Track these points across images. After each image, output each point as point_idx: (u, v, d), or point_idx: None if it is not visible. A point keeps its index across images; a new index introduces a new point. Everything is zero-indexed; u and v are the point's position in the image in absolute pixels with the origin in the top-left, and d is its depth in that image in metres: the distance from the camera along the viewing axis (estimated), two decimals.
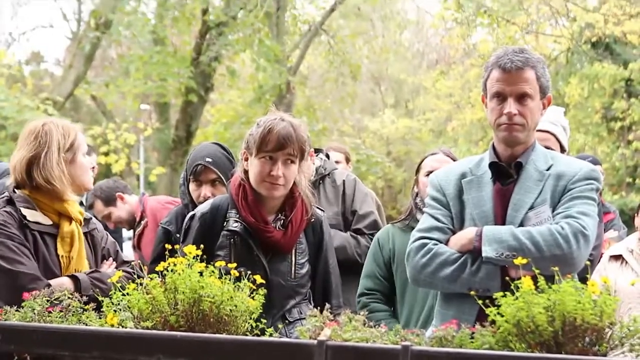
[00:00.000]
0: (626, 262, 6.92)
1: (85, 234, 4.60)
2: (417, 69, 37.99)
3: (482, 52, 23.93)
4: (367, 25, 29.38)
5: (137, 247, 7.68)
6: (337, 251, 5.82)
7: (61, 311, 3.68)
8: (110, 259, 4.65)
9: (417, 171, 5.65)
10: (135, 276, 4.19)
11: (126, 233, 8.92)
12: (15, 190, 4.46)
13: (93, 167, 4.72)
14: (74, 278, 4.36)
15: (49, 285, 4.11)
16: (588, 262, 3.84)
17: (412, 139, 33.94)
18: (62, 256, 4.43)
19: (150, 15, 21.37)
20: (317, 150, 6.57)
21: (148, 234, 7.43)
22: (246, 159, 4.50)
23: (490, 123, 4.10)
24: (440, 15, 26.28)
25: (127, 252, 8.53)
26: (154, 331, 3.54)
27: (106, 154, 21.42)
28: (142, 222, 7.63)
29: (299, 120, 4.54)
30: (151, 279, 3.59)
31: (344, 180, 6.33)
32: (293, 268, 4.51)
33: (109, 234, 4.82)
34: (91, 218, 4.71)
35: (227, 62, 22.61)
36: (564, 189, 3.99)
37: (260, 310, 3.66)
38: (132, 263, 4.56)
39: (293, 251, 4.52)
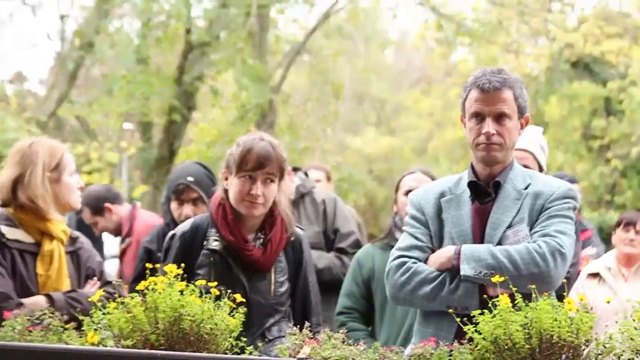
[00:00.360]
0: (603, 280, 6.97)
1: (70, 252, 4.62)
2: (399, 87, 38.07)
3: (463, 71, 24.07)
4: (349, 44, 29.47)
5: (120, 260, 7.67)
6: (323, 272, 5.85)
7: (42, 330, 3.69)
8: (95, 278, 4.66)
9: (396, 190, 5.69)
10: (117, 296, 4.22)
11: (111, 246, 8.86)
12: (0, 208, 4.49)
13: (81, 187, 4.74)
14: (49, 297, 4.38)
15: (20, 304, 4.13)
16: (565, 280, 3.88)
17: (393, 157, 33.98)
18: (41, 275, 4.45)
19: (133, 35, 21.38)
20: (296, 169, 6.59)
21: (130, 253, 7.42)
22: (226, 179, 4.53)
23: (468, 143, 4.14)
24: (421, 35, 26.42)
25: (110, 263, 8.54)
26: (135, 350, 3.55)
27: (89, 172, 21.37)
28: (127, 240, 7.59)
29: (277, 140, 4.58)
30: (132, 297, 3.61)
31: (324, 199, 6.33)
32: (272, 286, 4.53)
33: (97, 253, 4.83)
34: (78, 237, 4.72)
35: (210, 82, 22.63)
36: (541, 207, 4.03)
37: (240, 329, 3.68)
38: (115, 282, 4.56)
39: (273, 270, 4.54)
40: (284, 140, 22.74)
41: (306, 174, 6.60)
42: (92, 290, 4.49)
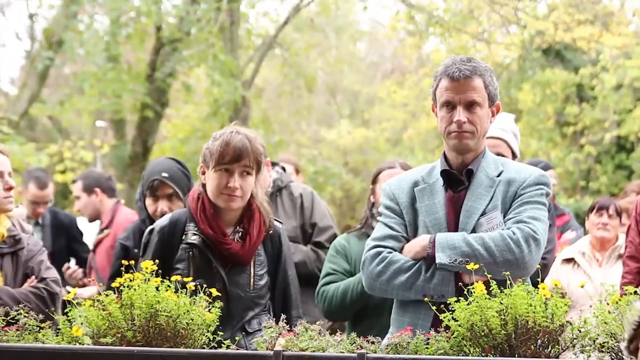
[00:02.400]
0: (578, 265, 7.02)
1: (10, 253, 4.77)
2: (372, 79, 38.09)
3: (436, 61, 24.10)
4: (321, 37, 29.47)
5: (94, 250, 7.74)
6: (298, 266, 5.83)
7: (17, 330, 3.69)
8: (33, 277, 4.74)
9: (374, 181, 5.68)
10: (45, 293, 4.36)
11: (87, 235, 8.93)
12: None
13: (11, 188, 4.82)
14: None
15: None
16: (539, 266, 3.90)
17: (368, 149, 34.00)
18: None
19: (103, 32, 21.27)
20: (274, 163, 6.59)
21: (105, 244, 7.49)
22: (203, 173, 4.55)
23: (440, 132, 4.16)
24: (392, 26, 26.44)
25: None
26: (111, 347, 3.55)
27: (63, 172, 21.28)
28: (105, 231, 7.67)
29: (254, 132, 4.59)
30: (107, 295, 3.61)
31: (301, 193, 6.33)
32: (252, 280, 4.54)
33: (41, 253, 4.90)
34: (21, 239, 4.83)
35: (182, 78, 22.57)
36: (514, 194, 4.05)
37: (217, 323, 3.69)
38: (49, 280, 4.66)
39: (252, 263, 4.55)
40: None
41: (283, 168, 6.60)
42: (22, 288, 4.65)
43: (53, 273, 4.81)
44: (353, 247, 5.47)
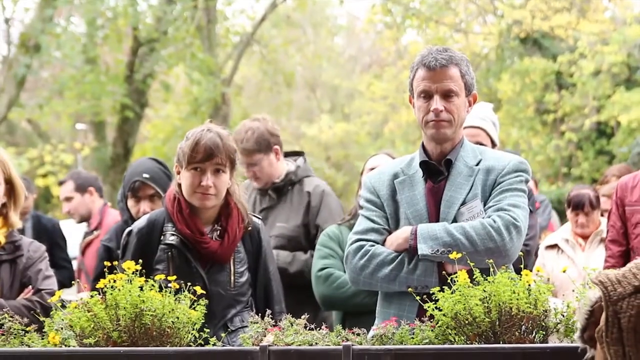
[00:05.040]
0: (562, 251, 7.05)
1: (9, 260, 4.65)
2: (351, 73, 38.10)
3: (414, 53, 24.09)
4: (298, 33, 29.46)
5: (82, 253, 7.70)
6: (295, 277, 5.77)
7: (2, 334, 3.68)
8: (30, 287, 4.65)
9: (362, 173, 5.69)
10: (39, 306, 4.32)
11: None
12: None
13: None
14: None
15: None
16: (521, 253, 3.92)
17: (350, 143, 34.08)
18: None
19: (80, 34, 21.20)
20: (297, 153, 6.46)
21: (96, 244, 7.47)
22: (178, 172, 4.54)
23: (418, 122, 4.17)
24: (369, 19, 26.46)
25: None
26: (98, 348, 3.55)
27: (44, 175, 21.23)
28: (95, 232, 7.65)
29: (226, 130, 4.59)
30: (92, 296, 3.61)
31: (309, 192, 6.09)
32: (232, 277, 4.53)
33: (41, 260, 4.81)
34: (20, 245, 4.72)
35: (161, 77, 22.54)
36: (494, 182, 4.07)
37: (202, 321, 3.69)
38: (44, 292, 4.59)
39: (232, 260, 4.54)
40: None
41: (305, 160, 6.36)
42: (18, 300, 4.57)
43: (50, 283, 4.72)
44: (345, 237, 5.46)
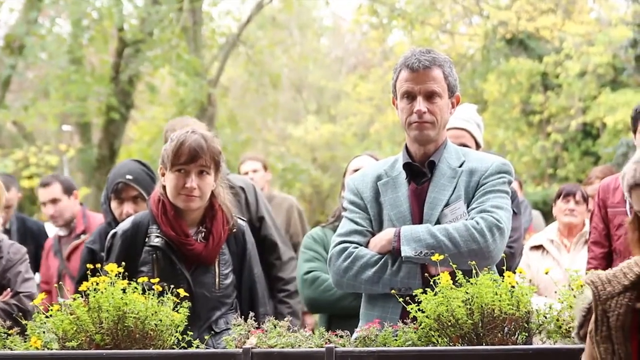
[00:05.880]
0: (547, 252, 7.07)
1: None
2: (337, 74, 38.09)
3: (400, 54, 24.11)
4: (284, 34, 29.44)
5: (67, 259, 7.64)
6: None
7: None
8: (8, 290, 4.66)
9: (345, 174, 5.69)
10: (16, 309, 4.31)
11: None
12: None
13: None
14: None
15: None
16: (505, 255, 3.93)
17: (336, 144, 34.04)
18: None
19: (65, 35, 21.15)
20: None
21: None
22: (163, 174, 4.53)
23: (401, 123, 4.17)
24: (355, 20, 26.48)
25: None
26: (80, 351, 3.55)
27: (29, 177, 21.16)
28: (82, 237, 7.57)
29: (210, 132, 4.59)
30: (74, 299, 3.60)
31: (242, 187, 6.11)
32: (217, 279, 4.53)
33: (21, 262, 4.81)
34: (0, 247, 4.74)
35: (147, 79, 22.49)
36: (477, 184, 4.07)
37: (186, 323, 3.69)
38: (22, 295, 4.59)
39: (216, 262, 4.54)
40: (224, 133, 22.74)
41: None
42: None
43: (29, 286, 4.72)
44: (329, 239, 5.46)
